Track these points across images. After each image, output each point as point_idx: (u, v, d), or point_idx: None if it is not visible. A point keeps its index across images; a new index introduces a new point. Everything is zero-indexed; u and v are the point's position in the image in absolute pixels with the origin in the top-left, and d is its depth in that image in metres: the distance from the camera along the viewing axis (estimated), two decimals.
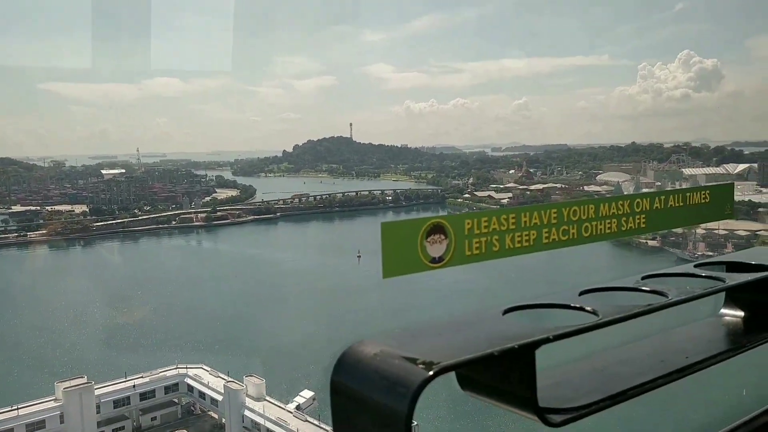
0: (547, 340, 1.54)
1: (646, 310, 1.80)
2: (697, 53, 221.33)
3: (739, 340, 2.16)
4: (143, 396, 53.80)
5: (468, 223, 1.96)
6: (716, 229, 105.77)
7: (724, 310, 2.33)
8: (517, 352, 1.50)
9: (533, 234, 2.12)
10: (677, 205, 2.55)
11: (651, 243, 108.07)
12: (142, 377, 54.93)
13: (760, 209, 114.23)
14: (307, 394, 52.24)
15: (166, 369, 56.65)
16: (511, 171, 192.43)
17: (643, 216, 2.42)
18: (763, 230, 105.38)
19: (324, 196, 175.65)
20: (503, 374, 1.58)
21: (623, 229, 2.36)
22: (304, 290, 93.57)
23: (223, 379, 54.27)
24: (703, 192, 2.66)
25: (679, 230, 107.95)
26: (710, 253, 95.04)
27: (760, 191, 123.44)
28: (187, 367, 56.67)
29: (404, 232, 1.85)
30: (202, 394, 54.64)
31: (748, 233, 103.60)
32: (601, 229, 2.27)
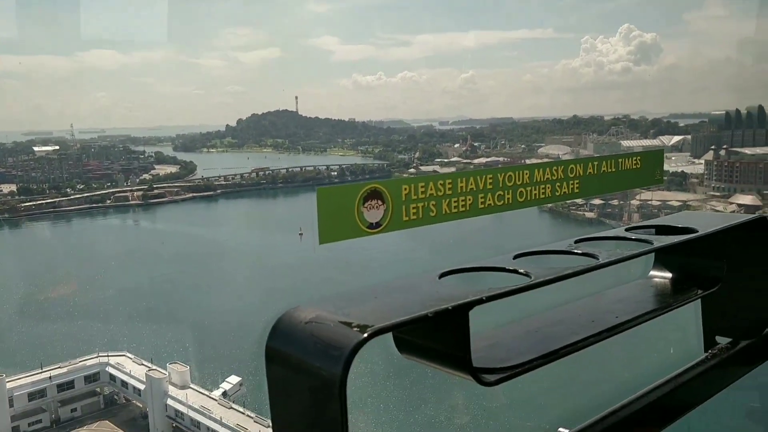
0: (480, 301, 1.56)
1: (578, 271, 1.83)
2: (638, 27, 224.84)
3: (667, 300, 2.26)
4: (61, 387, 51.41)
5: (405, 189, 1.99)
6: (650, 200, 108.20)
7: (653, 272, 2.46)
8: (451, 313, 1.50)
9: (470, 199, 2.16)
10: (609, 170, 2.60)
11: (588, 215, 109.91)
12: (60, 368, 52.49)
13: (692, 180, 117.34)
14: (234, 379, 50.82)
15: (86, 358, 54.32)
16: (456, 145, 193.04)
17: (577, 181, 2.47)
18: (694, 200, 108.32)
19: (267, 173, 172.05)
20: (438, 336, 1.58)
21: (557, 194, 2.40)
22: (241, 268, 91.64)
23: (146, 366, 52.28)
24: (633, 158, 2.71)
25: (615, 202, 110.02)
26: (628, 225, 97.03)
27: (693, 162, 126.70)
28: (108, 356, 54.44)
29: (341, 197, 1.85)
30: (124, 383, 52.65)
31: (680, 203, 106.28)
32: (535, 194, 2.32)
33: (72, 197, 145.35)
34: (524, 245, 2.01)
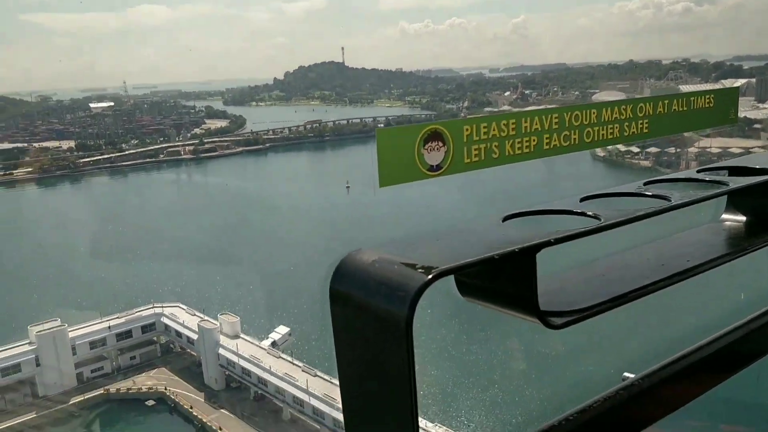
0: (548, 243, 1.53)
1: (649, 213, 1.79)
2: None
3: (740, 244, 2.18)
4: (120, 336, 53.76)
5: (467, 130, 1.93)
6: (709, 148, 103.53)
7: (725, 215, 2.36)
8: (518, 255, 1.49)
9: (534, 140, 2.09)
10: (681, 109, 2.52)
11: (643, 163, 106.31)
12: (117, 318, 54.74)
13: (755, 126, 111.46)
14: (283, 330, 52.04)
15: (142, 309, 56.45)
16: (507, 93, 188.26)
17: (646, 121, 2.39)
18: (758, 147, 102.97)
19: (314, 126, 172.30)
20: (504, 279, 1.57)
21: (625, 134, 2.33)
22: (290, 221, 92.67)
23: (198, 317, 54.02)
24: (707, 96, 2.62)
25: (672, 150, 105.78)
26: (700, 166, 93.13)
27: (757, 107, 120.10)
28: (162, 306, 56.43)
29: (401, 139, 1.82)
30: (178, 333, 54.60)
31: (742, 150, 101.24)
32: (603, 134, 2.25)
33: (127, 152, 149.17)
34: (589, 188, 1.93)
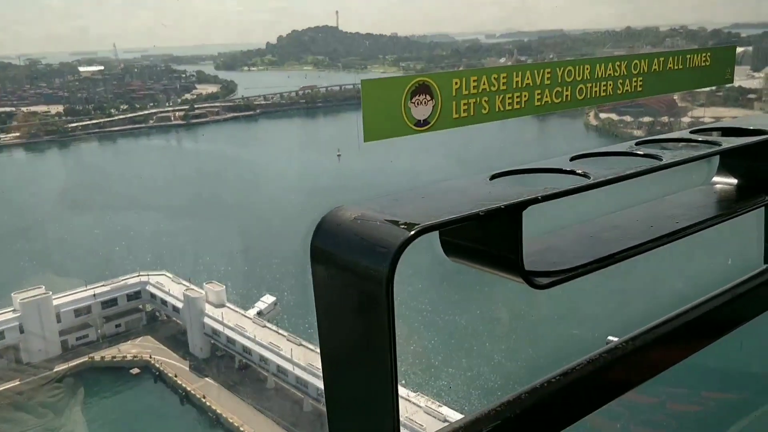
0: (535, 200, 1.50)
1: (640, 171, 1.76)
2: None
3: (731, 206, 2.17)
4: (105, 304, 53.60)
5: (456, 83, 1.83)
6: (703, 117, 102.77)
7: (716, 177, 2.35)
8: (504, 212, 1.45)
9: (525, 95, 2.00)
10: (677, 67, 2.43)
11: (636, 132, 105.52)
12: (103, 285, 54.49)
13: (750, 95, 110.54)
14: (269, 299, 51.99)
15: (128, 277, 56.20)
16: (502, 59, 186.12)
17: (641, 78, 2.31)
18: (757, 114, 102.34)
19: (307, 92, 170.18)
20: (489, 237, 1.53)
21: (619, 92, 2.25)
22: (279, 188, 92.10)
23: (184, 285, 53.82)
24: (703, 54, 2.55)
25: (665, 119, 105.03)
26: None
27: (753, 76, 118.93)
28: (148, 275, 56.19)
29: (386, 91, 1.71)
30: (164, 302, 54.45)
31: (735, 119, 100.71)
32: (596, 91, 2.18)
33: (116, 118, 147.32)
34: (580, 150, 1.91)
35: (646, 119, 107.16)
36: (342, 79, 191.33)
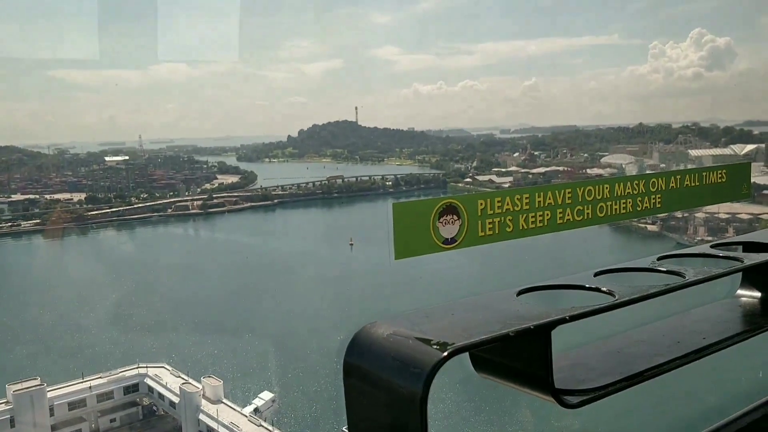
0: (563, 321, 1.52)
1: (663, 290, 1.78)
2: (710, 31, 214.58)
3: (757, 321, 2.16)
4: (101, 397, 52.10)
5: (481, 204, 1.97)
6: (717, 213, 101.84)
7: (741, 291, 2.35)
8: (533, 332, 1.47)
9: (547, 214, 2.13)
10: (693, 184, 2.53)
11: (650, 228, 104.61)
12: (100, 378, 53.21)
13: (765, 191, 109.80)
14: (267, 396, 50.19)
15: (126, 369, 54.91)
16: (516, 154, 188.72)
17: (659, 195, 2.42)
18: (766, 214, 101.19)
19: (323, 183, 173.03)
20: (518, 355, 1.55)
21: (638, 209, 2.36)
22: (289, 279, 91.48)
23: (183, 379, 52.39)
24: (719, 171, 2.63)
25: (679, 214, 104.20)
26: (710, 239, 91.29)
27: (767, 173, 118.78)
28: (147, 367, 54.89)
29: (416, 212, 1.85)
30: (161, 396, 52.84)
31: (751, 217, 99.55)
32: (616, 209, 2.28)
33: (135, 206, 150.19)
34: (600, 261, 1.93)
35: (661, 214, 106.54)
36: (360, 171, 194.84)
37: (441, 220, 1.82)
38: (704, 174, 2.51)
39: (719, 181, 2.58)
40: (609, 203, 2.19)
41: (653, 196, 2.34)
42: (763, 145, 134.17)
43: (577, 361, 1.72)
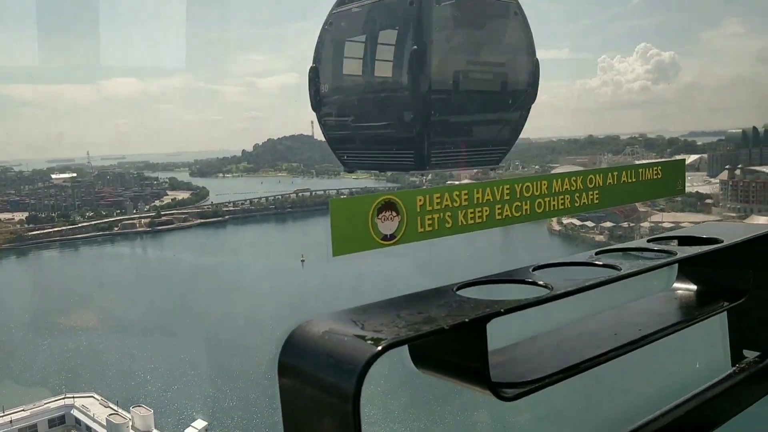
0: (498, 313, 1.54)
1: (599, 282, 1.81)
2: (655, 46, 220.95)
3: (692, 313, 2.25)
4: (23, 431, 49.03)
5: (420, 200, 1.98)
6: (662, 222, 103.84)
7: (676, 284, 2.44)
8: (469, 325, 1.48)
9: (486, 210, 2.16)
10: (630, 180, 2.59)
11: (598, 237, 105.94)
12: (23, 410, 50.17)
13: (707, 200, 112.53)
14: (200, 424, 48.08)
15: (51, 400, 52.00)
16: None
17: (596, 192, 2.46)
18: (710, 222, 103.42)
19: (277, 197, 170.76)
20: (455, 349, 1.57)
21: (576, 205, 2.39)
22: (238, 297, 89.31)
23: (111, 409, 49.83)
24: (655, 168, 2.70)
25: (625, 224, 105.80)
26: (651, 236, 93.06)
27: (709, 182, 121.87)
28: (74, 397, 52.06)
29: (354, 208, 1.85)
30: (89, 428, 50.09)
31: (694, 225, 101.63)
32: (554, 205, 2.32)
33: (79, 225, 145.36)
34: (542, 259, 1.95)
35: (608, 224, 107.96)
36: (316, 185, 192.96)
37: (380, 216, 1.81)
38: (640, 170, 2.52)
39: (655, 177, 2.59)
40: (547, 199, 2.20)
41: (591, 192, 2.34)
42: (706, 155, 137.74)
43: (515, 355, 1.76)
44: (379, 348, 1.27)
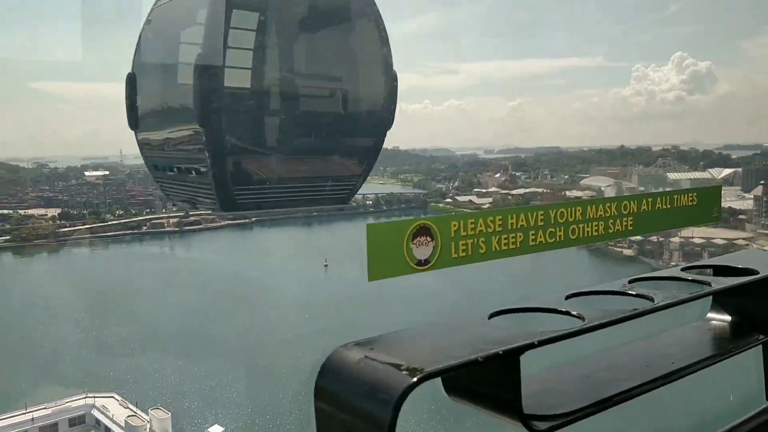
0: (531, 346, 1.55)
1: (633, 314, 1.81)
2: (691, 55, 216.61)
3: (726, 345, 2.20)
4: (44, 429, 49.82)
5: (454, 225, 2.00)
6: (692, 238, 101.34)
7: (711, 314, 2.39)
8: (502, 357, 1.50)
9: (520, 236, 2.16)
10: (665, 207, 2.57)
11: (626, 252, 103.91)
12: (45, 408, 50.96)
13: (740, 216, 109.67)
14: (217, 429, 48.23)
15: (72, 399, 52.79)
16: (497, 174, 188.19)
17: (631, 218, 2.46)
18: (742, 239, 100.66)
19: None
20: (488, 380, 1.58)
21: (610, 231, 2.40)
22: (261, 301, 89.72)
23: (131, 410, 50.33)
24: (690, 194, 2.69)
25: (654, 238, 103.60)
26: (684, 264, 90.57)
27: (743, 197, 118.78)
28: (95, 397, 52.71)
29: (390, 233, 1.88)
30: (108, 429, 50.66)
31: (726, 241, 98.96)
32: (588, 231, 2.32)
33: (109, 223, 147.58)
34: (571, 283, 1.97)
35: (636, 238, 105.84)
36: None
37: (415, 241, 1.83)
38: (676, 197, 2.51)
39: (690, 204, 2.56)
40: (581, 225, 2.19)
41: (625, 219, 2.34)
42: (740, 170, 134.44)
43: (547, 385, 1.76)
44: (415, 379, 1.29)
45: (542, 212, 2.09)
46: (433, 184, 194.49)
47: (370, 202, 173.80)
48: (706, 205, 2.65)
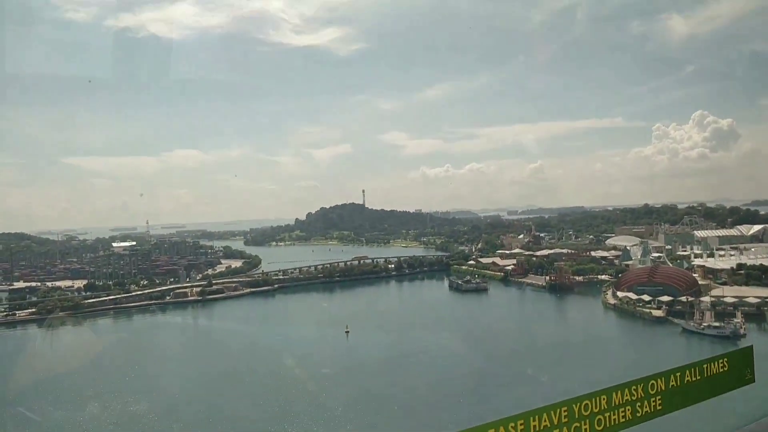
0: None
1: None
2: (711, 113, 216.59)
3: None
4: None
5: None
6: (723, 297, 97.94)
7: None
8: None
9: None
10: (694, 379, 2.50)
11: (655, 312, 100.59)
12: None
13: None
14: None
15: None
16: (521, 236, 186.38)
17: (659, 397, 2.40)
18: None
19: (325, 266, 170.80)
20: None
21: (638, 414, 2.35)
22: (281, 369, 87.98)
23: None
24: (720, 360, 2.60)
25: (684, 298, 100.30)
26: (717, 324, 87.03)
27: None
28: None
29: None
30: None
31: (759, 300, 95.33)
32: (615, 419, 2.27)
33: (134, 293, 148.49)
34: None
35: (666, 298, 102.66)
36: (365, 253, 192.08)
37: None
38: (705, 366, 2.47)
39: (721, 371, 2.54)
40: (607, 414, 2.12)
41: (653, 399, 2.27)
42: None
43: None
44: None
45: (565, 408, 2.01)
46: (455, 246, 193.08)
47: (393, 266, 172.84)
48: (737, 369, 2.46)
